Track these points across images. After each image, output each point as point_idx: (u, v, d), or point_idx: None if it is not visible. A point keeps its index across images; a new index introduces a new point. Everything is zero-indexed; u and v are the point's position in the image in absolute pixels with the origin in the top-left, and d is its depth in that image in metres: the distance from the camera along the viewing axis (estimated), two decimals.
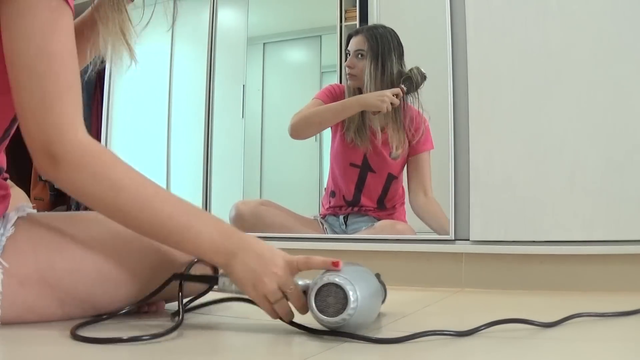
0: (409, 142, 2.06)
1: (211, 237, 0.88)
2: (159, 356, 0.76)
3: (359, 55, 2.03)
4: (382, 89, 1.98)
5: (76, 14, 1.02)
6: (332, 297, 0.83)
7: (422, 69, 1.94)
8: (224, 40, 2.28)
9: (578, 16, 1.46)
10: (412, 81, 1.95)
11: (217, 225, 0.90)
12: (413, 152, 2.07)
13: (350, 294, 0.81)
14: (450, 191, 1.57)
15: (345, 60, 2.07)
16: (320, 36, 2.65)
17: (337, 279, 0.83)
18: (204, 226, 0.88)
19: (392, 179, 2.05)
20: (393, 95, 1.93)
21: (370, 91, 1.98)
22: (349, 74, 2.04)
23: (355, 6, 2.40)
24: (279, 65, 2.75)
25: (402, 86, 1.94)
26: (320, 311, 0.83)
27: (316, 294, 0.84)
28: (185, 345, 0.83)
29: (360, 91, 2.04)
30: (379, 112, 1.94)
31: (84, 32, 1.05)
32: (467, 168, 1.53)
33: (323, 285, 0.83)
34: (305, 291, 0.88)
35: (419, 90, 1.97)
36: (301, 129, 2.06)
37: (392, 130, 1.98)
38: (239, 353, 0.83)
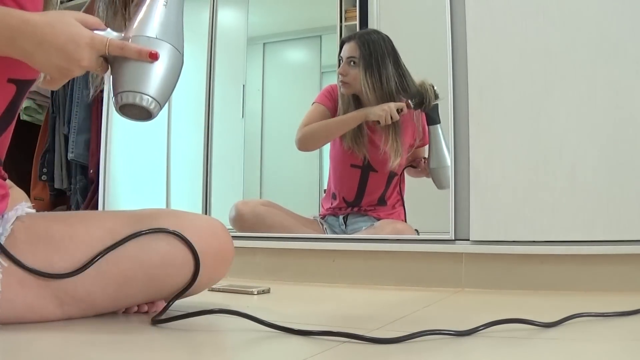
0: (413, 145, 2.06)
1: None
2: (159, 355, 0.76)
3: (352, 63, 2.02)
4: (382, 96, 1.96)
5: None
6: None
7: (435, 88, 1.92)
8: (224, 40, 2.28)
9: (578, 16, 1.46)
10: (421, 99, 1.94)
11: (6, 24, 0.79)
12: (414, 147, 2.09)
13: (152, 108, 0.86)
14: (451, 191, 1.57)
15: (339, 66, 2.06)
16: (320, 36, 2.65)
17: (137, 99, 0.85)
18: None
19: (393, 175, 2.05)
20: (397, 110, 1.92)
21: (369, 99, 1.98)
22: (341, 81, 2.03)
23: (355, 6, 2.40)
24: (279, 65, 2.75)
25: (410, 101, 1.94)
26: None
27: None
28: (182, 345, 0.83)
29: (357, 98, 2.03)
30: (378, 123, 1.93)
31: None
32: (467, 168, 1.53)
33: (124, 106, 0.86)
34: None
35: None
36: (308, 144, 2.08)
37: (390, 142, 1.97)
38: (238, 353, 0.83)
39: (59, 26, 0.81)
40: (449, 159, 1.61)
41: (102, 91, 2.22)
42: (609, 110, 1.43)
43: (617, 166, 1.41)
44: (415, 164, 2.09)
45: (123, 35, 0.88)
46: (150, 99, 0.86)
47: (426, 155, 2.09)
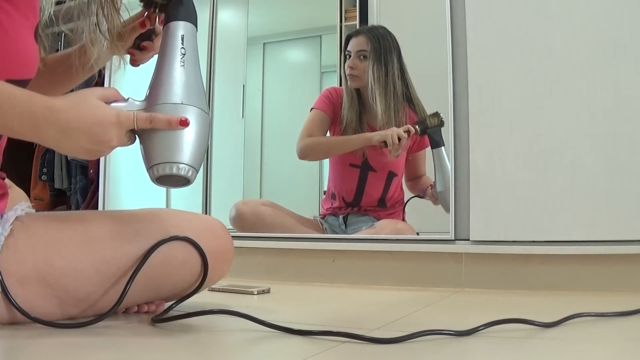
0: (411, 144, 2.07)
1: (21, 129, 0.79)
2: (159, 355, 0.76)
3: (361, 57, 2.03)
4: (385, 89, 1.97)
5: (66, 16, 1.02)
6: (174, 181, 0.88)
7: (441, 116, 1.93)
8: (224, 40, 2.28)
9: (578, 16, 1.46)
10: (427, 125, 1.95)
11: (30, 111, 0.79)
12: (412, 151, 2.09)
13: (189, 176, 0.86)
14: (451, 191, 1.57)
15: (345, 61, 2.06)
16: (320, 36, 2.65)
17: (174, 169, 0.85)
18: (14, 117, 0.78)
19: (392, 176, 2.05)
20: (404, 132, 1.92)
21: (374, 92, 1.98)
22: (350, 74, 2.03)
23: (355, 6, 2.41)
24: (279, 65, 2.75)
25: (417, 127, 1.95)
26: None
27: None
28: (182, 345, 0.83)
29: (359, 92, 2.04)
30: (385, 145, 1.93)
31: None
32: (467, 168, 1.53)
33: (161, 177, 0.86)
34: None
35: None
36: (308, 155, 2.12)
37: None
38: (238, 353, 0.83)
39: (83, 110, 0.81)
40: None
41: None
42: (609, 110, 1.43)
43: (617, 166, 1.41)
44: (422, 194, 2.09)
45: (146, 103, 0.87)
46: (186, 167, 0.85)
47: (424, 172, 2.11)
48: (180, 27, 0.91)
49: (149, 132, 0.85)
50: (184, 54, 0.89)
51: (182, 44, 0.90)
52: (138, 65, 1.06)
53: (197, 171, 0.88)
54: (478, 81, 1.53)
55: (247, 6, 2.63)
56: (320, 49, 2.65)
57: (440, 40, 1.62)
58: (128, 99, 0.88)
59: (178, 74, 0.88)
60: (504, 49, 1.51)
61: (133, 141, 0.88)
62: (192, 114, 0.86)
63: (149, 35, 1.04)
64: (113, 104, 0.86)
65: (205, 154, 0.90)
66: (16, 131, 0.81)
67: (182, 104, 0.86)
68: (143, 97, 0.89)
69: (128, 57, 1.06)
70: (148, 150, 0.86)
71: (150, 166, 0.86)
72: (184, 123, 0.84)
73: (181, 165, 0.85)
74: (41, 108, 0.79)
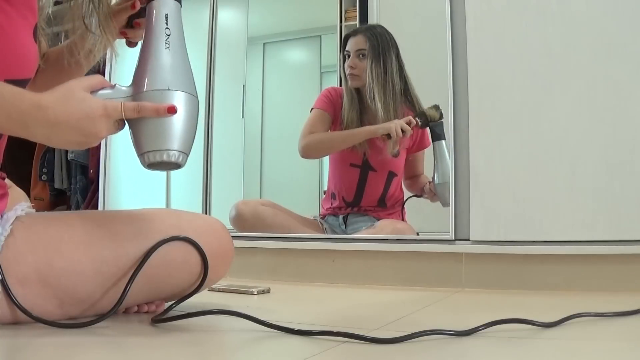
0: (411, 145, 2.07)
1: (9, 126, 0.80)
2: (158, 355, 0.76)
3: (360, 56, 2.03)
4: (384, 88, 1.97)
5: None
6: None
7: (441, 108, 1.93)
8: (224, 40, 2.28)
9: (578, 16, 1.46)
10: (427, 118, 1.95)
11: (18, 109, 0.79)
12: (411, 151, 2.09)
13: (180, 161, 0.86)
14: (451, 191, 1.57)
15: (344, 61, 2.06)
16: (320, 36, 2.65)
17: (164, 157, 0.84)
18: (1, 114, 0.78)
19: (392, 176, 2.05)
20: (406, 124, 1.92)
21: (372, 91, 1.98)
22: (350, 74, 2.03)
23: (355, 6, 2.40)
24: (279, 65, 2.75)
25: (417, 119, 1.94)
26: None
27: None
28: (182, 345, 0.83)
29: (358, 91, 2.04)
30: (389, 137, 1.93)
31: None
32: (467, 168, 1.53)
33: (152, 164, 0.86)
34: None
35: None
36: (311, 153, 2.10)
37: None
38: (238, 353, 0.83)
39: (69, 104, 0.81)
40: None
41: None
42: (609, 110, 1.43)
43: (617, 166, 1.41)
44: (420, 193, 2.09)
45: (132, 89, 0.86)
46: (177, 153, 0.85)
47: (421, 172, 2.11)
48: (164, 6, 0.89)
49: (137, 119, 0.85)
50: (168, 35, 0.88)
51: (167, 24, 0.88)
52: (135, 45, 1.05)
53: (188, 155, 0.88)
54: (478, 81, 1.53)
55: (247, 6, 2.63)
56: (320, 49, 2.65)
57: (440, 40, 1.62)
58: (115, 85, 0.87)
59: (163, 58, 0.87)
60: (504, 48, 1.51)
61: (122, 127, 0.87)
62: (179, 100, 0.85)
63: (141, 13, 1.00)
64: (100, 92, 0.85)
65: (195, 136, 0.89)
66: (4, 128, 0.81)
67: (168, 89, 0.85)
68: (129, 83, 0.88)
69: (120, 47, 1.05)
70: (138, 137, 0.86)
71: (141, 153, 0.86)
72: (172, 110, 0.84)
73: (171, 152, 0.85)
74: (29, 106, 0.79)
